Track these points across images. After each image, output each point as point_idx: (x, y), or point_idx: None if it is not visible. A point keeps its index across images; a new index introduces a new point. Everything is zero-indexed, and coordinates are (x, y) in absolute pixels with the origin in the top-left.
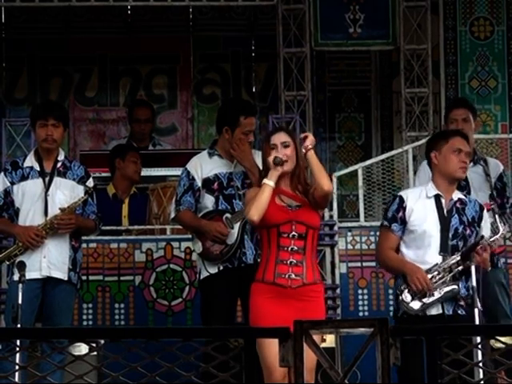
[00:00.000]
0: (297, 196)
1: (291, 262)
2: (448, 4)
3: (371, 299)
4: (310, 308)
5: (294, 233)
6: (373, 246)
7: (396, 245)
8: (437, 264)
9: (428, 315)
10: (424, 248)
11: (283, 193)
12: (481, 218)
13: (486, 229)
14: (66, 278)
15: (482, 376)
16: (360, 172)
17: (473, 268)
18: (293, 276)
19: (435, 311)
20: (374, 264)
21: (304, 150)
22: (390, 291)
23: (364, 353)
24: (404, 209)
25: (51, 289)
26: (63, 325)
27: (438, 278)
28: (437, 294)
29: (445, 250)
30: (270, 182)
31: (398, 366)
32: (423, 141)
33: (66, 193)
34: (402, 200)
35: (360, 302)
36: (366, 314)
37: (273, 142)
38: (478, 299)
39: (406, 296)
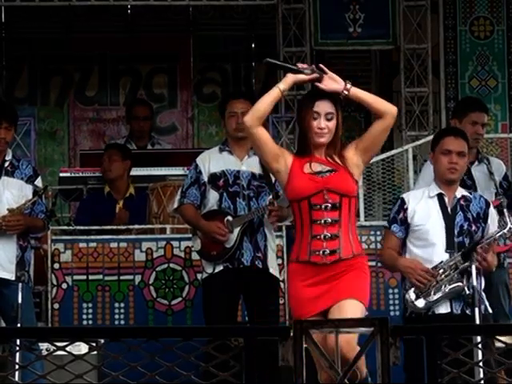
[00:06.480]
0: (329, 162)
1: (325, 236)
2: (448, 3)
3: (371, 299)
4: (342, 279)
5: (326, 204)
6: (373, 246)
7: (397, 245)
8: (442, 261)
9: (436, 313)
10: (430, 246)
11: (315, 160)
12: (487, 214)
13: (492, 225)
14: (13, 278)
15: (482, 376)
16: None
17: (473, 267)
18: (327, 252)
19: (444, 310)
20: (374, 263)
21: (345, 91)
22: (390, 290)
23: (364, 352)
24: (405, 210)
25: (0, 290)
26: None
27: (443, 275)
28: (441, 292)
29: (451, 247)
30: (280, 85)
31: (397, 365)
32: (423, 140)
33: (14, 192)
34: (403, 202)
35: None
36: (366, 313)
37: (316, 109)
38: (483, 299)
39: (411, 295)
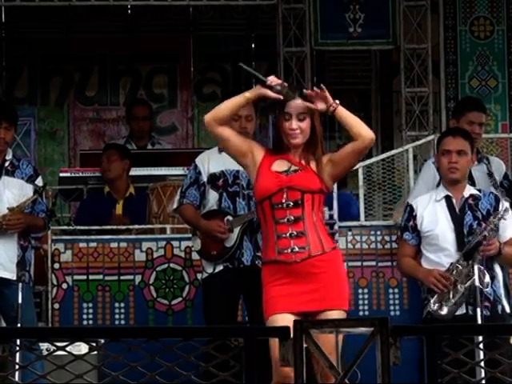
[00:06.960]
0: (299, 162)
1: (291, 234)
2: (448, 3)
3: (371, 298)
4: (323, 282)
5: (287, 202)
6: (373, 246)
7: (411, 253)
8: (452, 263)
9: None
10: (442, 251)
11: (286, 159)
12: (497, 209)
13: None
14: (14, 278)
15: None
16: (360, 171)
17: (475, 268)
18: (296, 249)
19: (459, 311)
20: (374, 263)
21: (330, 108)
22: (390, 290)
23: (364, 352)
24: (414, 217)
25: (1, 290)
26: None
27: (458, 276)
28: (459, 292)
29: (462, 248)
30: (247, 94)
31: (397, 365)
32: (423, 140)
33: (14, 192)
34: (412, 209)
35: (360, 302)
36: (367, 313)
37: (287, 110)
38: (501, 298)
39: (432, 305)
